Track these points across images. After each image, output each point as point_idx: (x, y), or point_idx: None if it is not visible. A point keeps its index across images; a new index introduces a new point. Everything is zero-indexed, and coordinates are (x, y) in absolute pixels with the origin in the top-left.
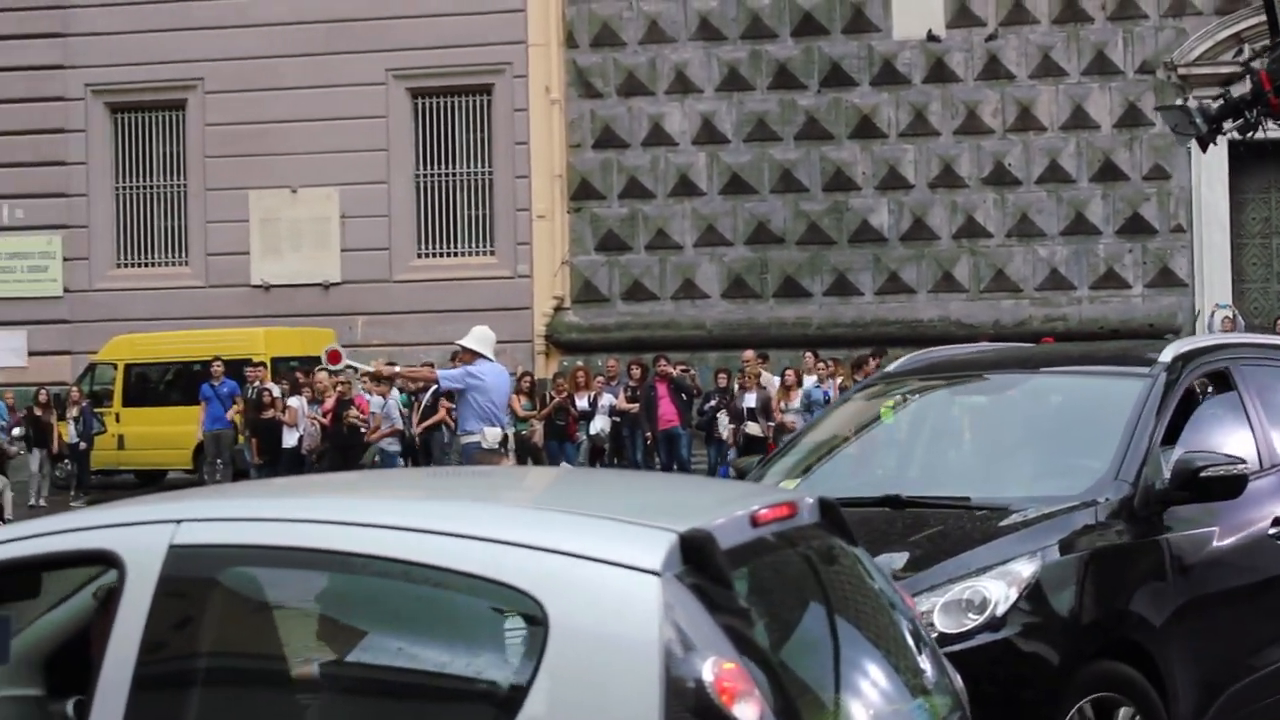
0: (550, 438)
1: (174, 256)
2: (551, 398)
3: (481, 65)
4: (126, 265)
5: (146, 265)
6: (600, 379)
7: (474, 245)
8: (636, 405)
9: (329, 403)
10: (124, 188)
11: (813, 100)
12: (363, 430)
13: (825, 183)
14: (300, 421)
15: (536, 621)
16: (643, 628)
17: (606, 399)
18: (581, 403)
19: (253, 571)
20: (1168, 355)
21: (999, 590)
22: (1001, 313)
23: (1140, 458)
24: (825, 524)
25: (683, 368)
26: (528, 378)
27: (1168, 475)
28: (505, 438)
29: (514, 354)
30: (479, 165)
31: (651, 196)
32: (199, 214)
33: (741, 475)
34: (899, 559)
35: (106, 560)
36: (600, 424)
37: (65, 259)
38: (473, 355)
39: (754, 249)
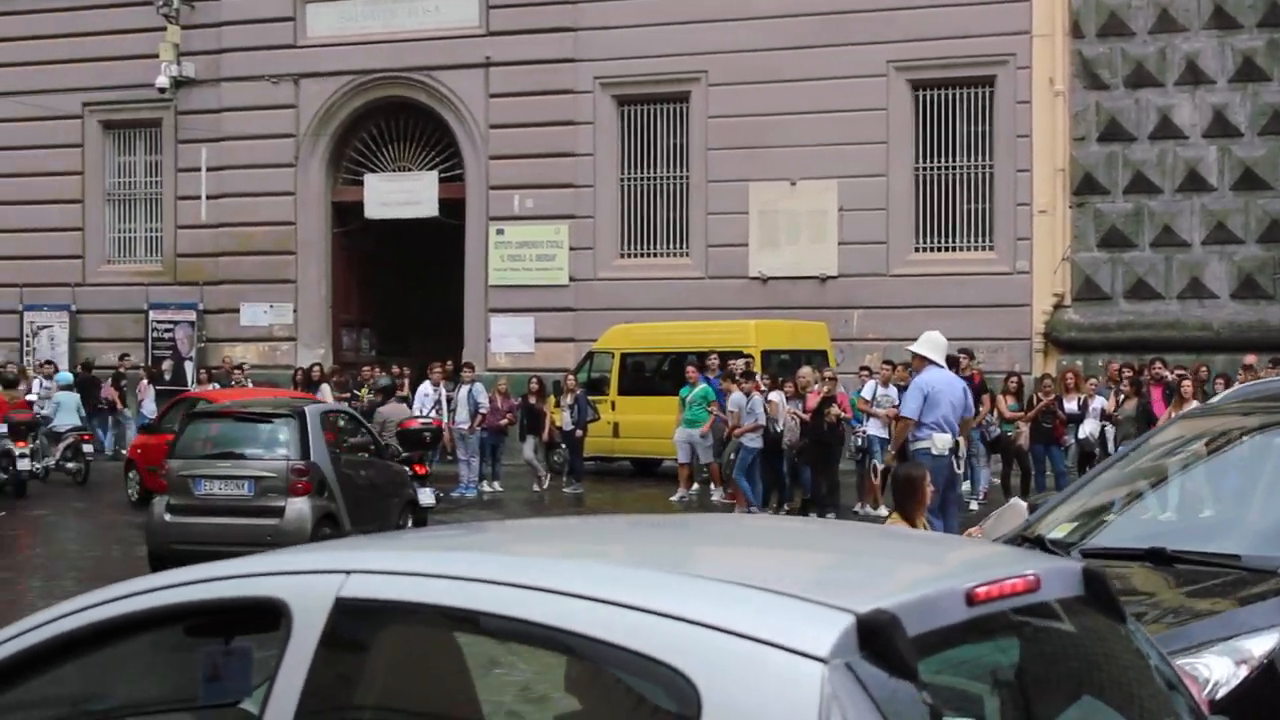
0: (1036, 441)
1: (675, 247)
2: (1038, 399)
3: (984, 56)
4: (629, 255)
5: (648, 256)
6: (1093, 381)
7: (972, 240)
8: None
9: (811, 399)
10: (628, 179)
11: None
12: (843, 427)
13: None
14: (780, 416)
15: (689, 703)
16: None
17: (1098, 402)
18: (1070, 405)
19: (412, 630)
20: None
21: (1223, 669)
22: None
23: None
24: (1088, 597)
25: (1179, 371)
26: (1015, 378)
27: None
28: (956, 445)
29: (1011, 352)
30: (979, 158)
31: (1158, 191)
32: (700, 206)
33: (1033, 510)
34: None
35: (275, 609)
36: (1090, 428)
37: (571, 248)
38: (924, 361)
39: (1267, 247)
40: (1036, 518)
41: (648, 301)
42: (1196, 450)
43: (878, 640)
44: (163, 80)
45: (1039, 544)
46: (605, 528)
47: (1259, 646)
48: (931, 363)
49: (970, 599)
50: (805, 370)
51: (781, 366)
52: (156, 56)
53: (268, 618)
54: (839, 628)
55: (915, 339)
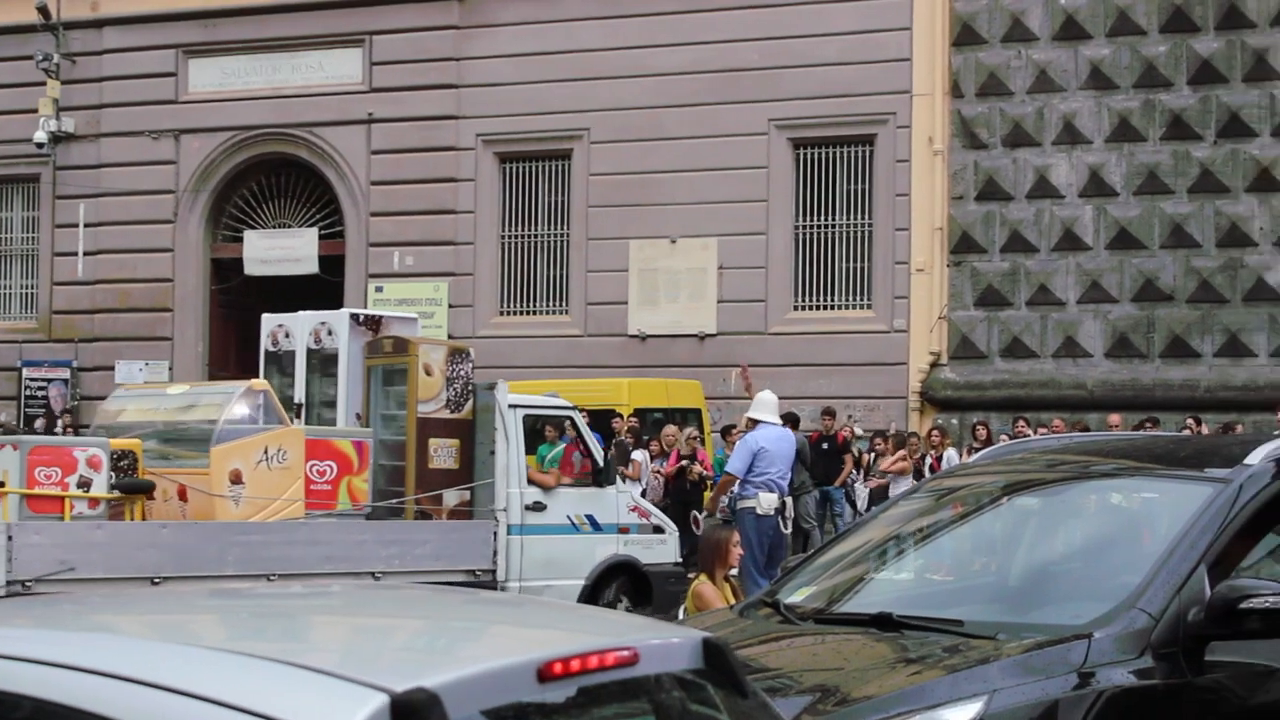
0: None
1: (554, 305)
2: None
3: (865, 115)
4: (509, 313)
5: (528, 313)
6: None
7: (851, 298)
8: None
9: (672, 457)
10: (508, 236)
11: (1208, 151)
12: (705, 486)
13: (1219, 238)
14: (644, 475)
15: None
16: None
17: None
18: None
19: None
20: (1257, 457)
21: None
22: None
23: (1174, 584)
24: (709, 670)
25: (1043, 430)
26: (880, 438)
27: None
28: (783, 504)
29: (887, 410)
30: (858, 217)
31: (1034, 251)
32: (580, 263)
33: (786, 573)
34: (800, 702)
35: None
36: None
37: (450, 306)
38: (757, 423)
39: (1140, 306)
40: (780, 582)
41: (527, 359)
42: (941, 511)
43: None
44: (41, 135)
45: (776, 608)
46: (181, 599)
47: (959, 716)
48: (764, 423)
49: (543, 675)
50: (670, 428)
51: (654, 425)
52: (35, 111)
53: None
54: (369, 708)
55: (793, 398)
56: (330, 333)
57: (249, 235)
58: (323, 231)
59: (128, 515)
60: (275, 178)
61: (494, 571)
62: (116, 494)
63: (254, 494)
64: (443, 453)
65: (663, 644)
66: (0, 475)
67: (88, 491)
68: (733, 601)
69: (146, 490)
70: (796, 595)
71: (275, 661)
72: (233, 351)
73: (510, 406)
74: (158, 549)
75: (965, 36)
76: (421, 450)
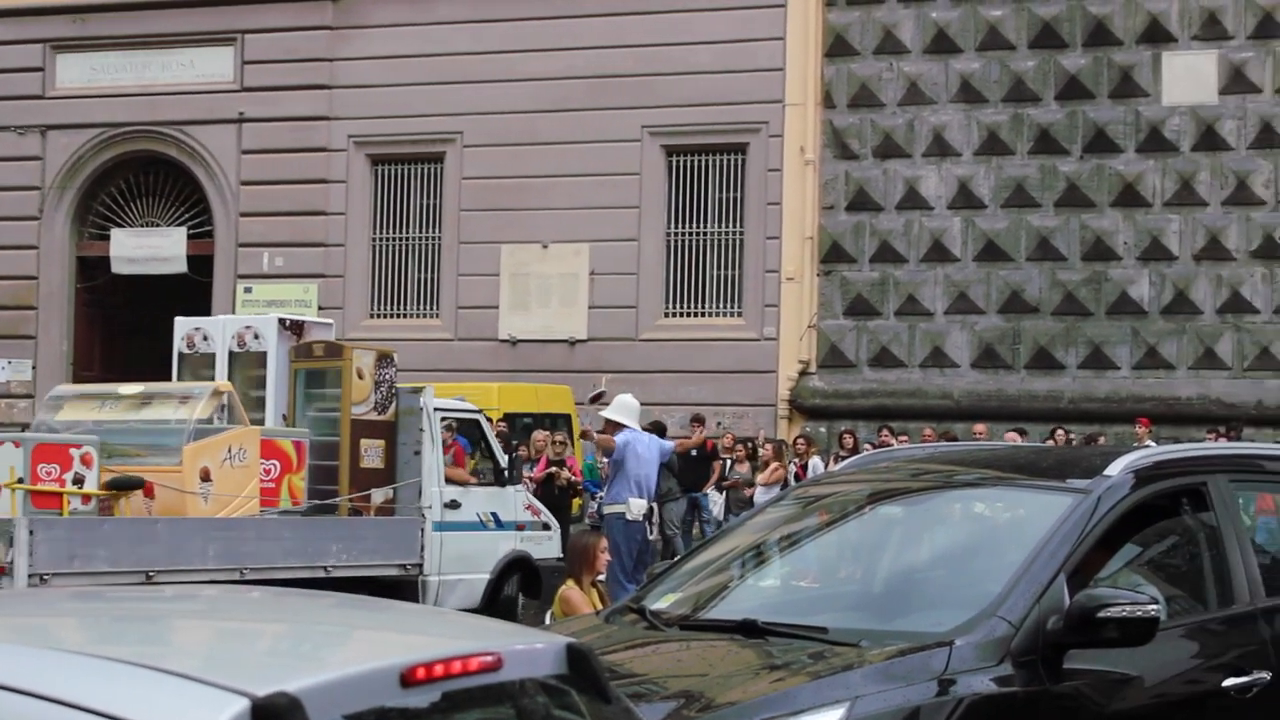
0: None
1: (425, 309)
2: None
3: (737, 124)
4: (379, 316)
5: (398, 316)
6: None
7: (722, 306)
8: None
9: (541, 463)
10: (380, 239)
11: (1075, 166)
12: (573, 491)
13: (1084, 251)
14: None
15: None
16: None
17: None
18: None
19: None
20: (1116, 468)
21: None
22: (1266, 393)
23: (1034, 593)
24: (572, 676)
25: (903, 437)
26: (745, 445)
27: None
28: (651, 510)
29: (756, 418)
30: (730, 225)
31: (903, 261)
32: (451, 267)
33: (652, 579)
34: (664, 708)
35: None
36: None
37: (320, 308)
38: (617, 426)
39: (1007, 318)
40: (646, 588)
41: (398, 363)
42: (806, 519)
43: None
44: None
45: (642, 614)
46: (43, 602)
47: None
48: (624, 427)
49: (405, 679)
50: (540, 434)
51: (524, 430)
52: None
53: None
54: (229, 712)
55: (663, 405)
56: (257, 336)
57: (116, 233)
58: (191, 231)
59: (116, 510)
60: (144, 176)
61: (421, 565)
62: (111, 490)
63: (220, 491)
64: (371, 453)
65: (527, 649)
66: (8, 471)
67: (81, 488)
68: (599, 607)
69: (138, 486)
70: (662, 601)
71: (135, 665)
72: (98, 350)
73: (434, 410)
74: (154, 544)
75: (838, 48)
76: (354, 450)
